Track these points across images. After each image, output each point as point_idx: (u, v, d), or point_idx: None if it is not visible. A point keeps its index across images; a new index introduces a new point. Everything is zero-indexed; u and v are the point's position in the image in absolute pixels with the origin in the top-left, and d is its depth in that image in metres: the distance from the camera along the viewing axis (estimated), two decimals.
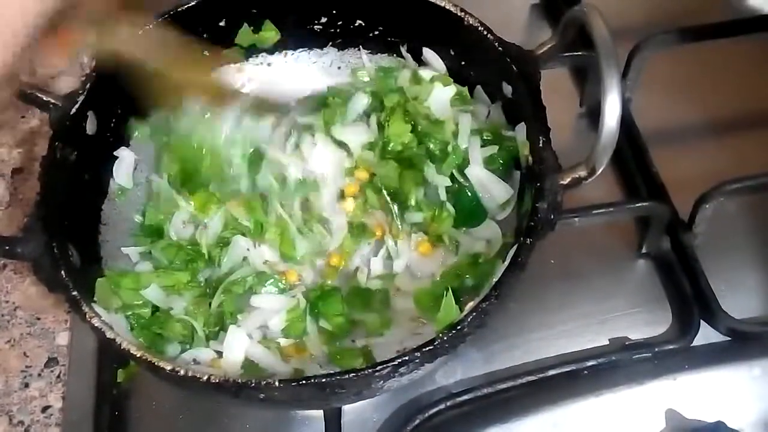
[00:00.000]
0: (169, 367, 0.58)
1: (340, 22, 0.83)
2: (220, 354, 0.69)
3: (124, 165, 0.78)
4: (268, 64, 0.86)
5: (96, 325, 0.60)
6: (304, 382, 0.56)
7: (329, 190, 0.79)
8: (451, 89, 0.79)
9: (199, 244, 0.75)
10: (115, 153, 0.77)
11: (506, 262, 0.63)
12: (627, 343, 0.75)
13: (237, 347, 0.68)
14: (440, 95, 0.79)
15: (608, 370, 0.73)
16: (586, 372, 0.73)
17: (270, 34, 0.83)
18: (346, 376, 0.56)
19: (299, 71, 0.86)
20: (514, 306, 0.76)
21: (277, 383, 0.56)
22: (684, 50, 0.89)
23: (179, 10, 0.76)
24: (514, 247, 0.63)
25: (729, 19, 0.91)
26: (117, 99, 0.75)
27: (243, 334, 0.69)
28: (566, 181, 0.63)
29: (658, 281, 0.80)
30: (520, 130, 0.72)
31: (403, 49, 0.84)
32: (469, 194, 0.76)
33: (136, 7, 0.66)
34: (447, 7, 0.75)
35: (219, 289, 0.72)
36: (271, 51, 0.85)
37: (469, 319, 0.58)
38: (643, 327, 0.77)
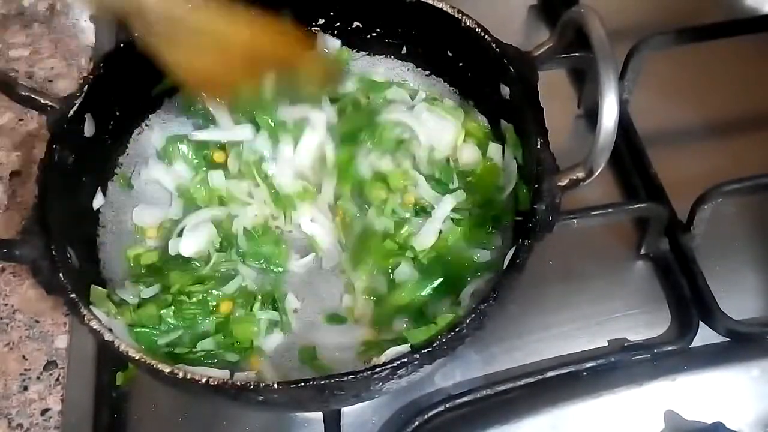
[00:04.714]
0: (167, 370, 0.57)
1: (338, 24, 0.83)
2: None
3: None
4: None
5: (95, 327, 0.60)
6: (303, 384, 0.56)
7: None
8: None
9: None
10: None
11: (505, 264, 0.63)
12: (626, 344, 0.75)
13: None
14: None
15: (607, 371, 0.73)
16: (585, 373, 0.73)
17: None
18: (345, 378, 0.56)
19: None
20: (513, 307, 0.76)
21: (275, 385, 0.56)
22: (681, 51, 0.89)
23: None
24: (513, 249, 0.63)
25: (727, 20, 0.91)
26: (115, 101, 0.75)
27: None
28: (564, 182, 0.63)
29: (657, 282, 0.80)
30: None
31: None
32: None
33: None
34: (444, 9, 0.75)
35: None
36: None
37: (467, 321, 0.58)
38: (642, 328, 0.77)
